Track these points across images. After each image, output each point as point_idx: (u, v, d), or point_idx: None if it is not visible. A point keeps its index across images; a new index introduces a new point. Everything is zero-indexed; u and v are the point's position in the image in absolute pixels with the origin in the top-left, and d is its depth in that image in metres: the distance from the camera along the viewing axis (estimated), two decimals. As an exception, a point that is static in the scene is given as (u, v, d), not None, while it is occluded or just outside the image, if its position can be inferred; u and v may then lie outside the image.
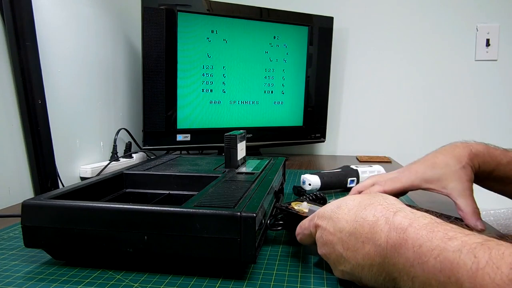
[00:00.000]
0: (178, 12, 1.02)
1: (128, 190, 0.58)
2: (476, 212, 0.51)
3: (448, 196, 0.53)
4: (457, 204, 0.52)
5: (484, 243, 0.27)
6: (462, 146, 0.54)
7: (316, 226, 0.41)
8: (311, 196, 0.59)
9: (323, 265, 0.44)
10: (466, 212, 0.51)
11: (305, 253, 0.48)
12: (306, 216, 0.46)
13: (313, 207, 0.47)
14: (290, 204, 0.52)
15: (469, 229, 0.30)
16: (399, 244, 0.31)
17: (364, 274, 0.35)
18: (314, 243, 0.42)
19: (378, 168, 0.84)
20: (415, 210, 0.34)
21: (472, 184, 0.52)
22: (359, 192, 0.58)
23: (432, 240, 0.29)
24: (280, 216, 0.52)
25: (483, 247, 0.26)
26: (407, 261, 0.30)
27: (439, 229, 0.30)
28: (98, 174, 0.89)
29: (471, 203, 0.51)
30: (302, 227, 0.44)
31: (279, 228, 0.51)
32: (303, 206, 0.51)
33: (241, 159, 0.66)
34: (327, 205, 0.42)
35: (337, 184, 0.79)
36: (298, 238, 0.45)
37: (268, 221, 0.50)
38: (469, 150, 0.53)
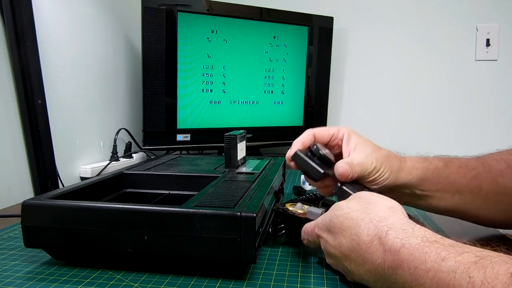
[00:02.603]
0: (178, 12, 1.02)
1: (128, 190, 0.58)
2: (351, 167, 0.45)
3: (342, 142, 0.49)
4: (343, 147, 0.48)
5: (478, 261, 0.26)
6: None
7: (318, 237, 0.41)
8: (309, 196, 0.58)
9: (323, 265, 0.44)
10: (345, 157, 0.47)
11: (305, 253, 0.48)
12: (305, 218, 0.46)
13: (312, 209, 0.46)
14: (284, 206, 0.51)
15: (461, 245, 0.30)
16: (395, 266, 0.31)
17: (371, 285, 0.35)
18: (320, 248, 0.42)
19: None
20: (406, 225, 0.33)
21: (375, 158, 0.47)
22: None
23: (426, 262, 0.29)
24: (279, 219, 0.50)
25: (477, 266, 0.26)
26: (405, 281, 0.30)
27: (432, 249, 0.29)
28: (98, 174, 0.89)
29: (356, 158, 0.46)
30: (307, 233, 0.43)
31: (282, 232, 0.49)
32: (297, 207, 0.50)
33: (241, 159, 0.65)
34: (326, 215, 0.41)
35: (337, 184, 0.79)
36: (304, 242, 0.44)
37: (270, 229, 0.49)
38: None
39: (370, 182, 0.47)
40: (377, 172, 0.46)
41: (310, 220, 0.44)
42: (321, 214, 0.44)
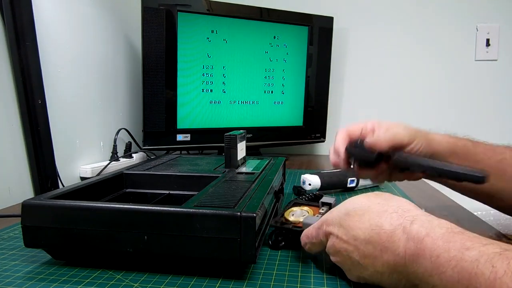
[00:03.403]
0: (178, 12, 1.02)
1: (128, 190, 0.58)
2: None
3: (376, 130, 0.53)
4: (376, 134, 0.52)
5: (503, 252, 0.26)
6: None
7: (327, 234, 0.40)
8: (309, 196, 0.58)
9: (323, 265, 0.44)
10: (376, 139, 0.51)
11: (305, 253, 0.48)
12: (303, 230, 0.45)
13: (307, 220, 0.46)
14: (283, 216, 0.51)
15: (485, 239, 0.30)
16: (417, 254, 0.31)
17: (384, 280, 0.35)
18: (323, 251, 0.41)
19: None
20: (431, 218, 0.33)
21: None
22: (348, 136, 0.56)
23: (449, 250, 0.29)
24: (278, 234, 0.50)
25: (501, 257, 0.26)
26: (425, 271, 0.30)
27: (456, 239, 0.29)
28: (98, 174, 0.89)
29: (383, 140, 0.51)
30: (309, 236, 0.42)
31: (282, 244, 0.49)
32: (297, 215, 0.50)
33: (241, 159, 0.65)
34: (333, 211, 0.40)
35: (337, 184, 0.79)
36: (306, 248, 0.43)
37: (270, 242, 0.49)
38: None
39: (411, 150, 0.51)
40: (414, 140, 0.51)
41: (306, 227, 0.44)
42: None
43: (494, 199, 0.55)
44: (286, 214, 0.51)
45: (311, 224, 0.43)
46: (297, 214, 0.50)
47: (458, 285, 0.27)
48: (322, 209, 0.50)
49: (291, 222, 0.49)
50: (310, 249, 0.43)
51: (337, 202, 0.49)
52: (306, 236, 0.43)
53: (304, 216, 0.49)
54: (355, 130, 0.55)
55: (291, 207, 0.53)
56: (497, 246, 0.27)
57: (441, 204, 0.71)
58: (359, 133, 0.55)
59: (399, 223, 0.34)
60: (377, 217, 0.35)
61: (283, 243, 0.49)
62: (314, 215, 0.49)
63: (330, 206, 0.50)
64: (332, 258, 0.40)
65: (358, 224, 0.36)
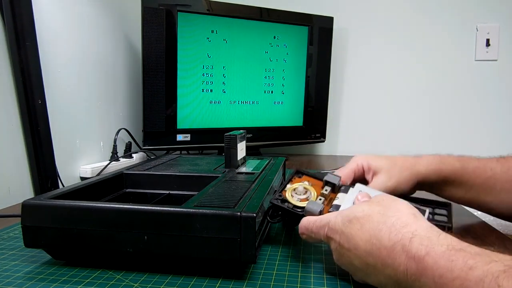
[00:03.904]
0: (178, 12, 1.02)
1: (128, 190, 0.58)
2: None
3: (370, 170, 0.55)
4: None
5: (507, 270, 0.26)
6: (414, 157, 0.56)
7: (329, 239, 0.40)
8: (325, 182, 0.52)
9: (323, 265, 0.44)
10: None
11: (305, 253, 0.48)
12: (302, 215, 0.44)
13: (311, 205, 0.45)
14: (284, 190, 0.49)
15: (488, 251, 0.29)
16: (419, 274, 0.31)
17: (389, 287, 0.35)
18: (319, 243, 0.41)
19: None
20: (430, 233, 0.33)
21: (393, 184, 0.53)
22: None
23: (452, 270, 0.28)
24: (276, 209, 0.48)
25: (506, 275, 0.26)
26: None
27: (458, 257, 0.29)
28: (98, 174, 0.89)
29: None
30: (309, 230, 0.42)
31: (278, 219, 0.48)
32: (299, 192, 0.48)
33: (241, 159, 0.65)
34: (337, 215, 0.40)
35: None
36: (302, 237, 0.43)
37: (268, 215, 0.48)
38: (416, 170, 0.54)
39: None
40: (401, 185, 0.53)
41: (308, 214, 0.43)
42: (320, 211, 0.43)
43: (483, 208, 0.58)
44: (288, 191, 0.49)
45: (313, 212, 0.43)
46: (299, 191, 0.48)
47: None
48: (326, 189, 0.48)
49: (291, 204, 0.47)
50: (306, 240, 0.43)
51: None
52: (305, 228, 0.42)
53: (307, 198, 0.47)
54: (349, 175, 0.55)
55: (293, 180, 0.51)
56: (500, 264, 0.27)
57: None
58: (352, 177, 0.55)
59: (397, 239, 0.33)
60: (377, 229, 0.35)
61: (279, 218, 0.48)
62: (317, 196, 0.47)
63: (333, 186, 0.49)
64: (335, 260, 0.40)
65: (359, 233, 0.36)
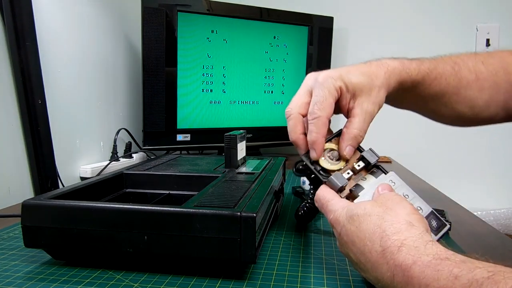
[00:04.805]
0: (178, 12, 1.02)
1: (128, 190, 0.58)
2: (357, 138, 0.46)
3: (349, 110, 0.48)
4: (350, 120, 0.47)
5: (490, 277, 0.27)
6: (376, 65, 0.49)
7: (333, 226, 0.40)
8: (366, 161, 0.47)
9: (323, 265, 0.44)
10: (349, 133, 0.46)
11: (305, 253, 0.48)
12: (324, 182, 0.44)
13: (335, 177, 0.43)
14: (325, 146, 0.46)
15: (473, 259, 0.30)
16: (405, 282, 0.31)
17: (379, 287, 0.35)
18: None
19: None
20: (419, 243, 0.33)
21: (377, 110, 0.48)
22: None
23: (438, 279, 0.29)
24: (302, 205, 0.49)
25: (490, 281, 0.26)
26: None
27: (444, 267, 0.29)
28: (98, 174, 0.89)
29: (361, 127, 0.47)
30: (321, 206, 0.43)
31: (302, 174, 0.49)
32: (333, 156, 0.46)
33: (241, 159, 0.65)
34: (344, 207, 0.39)
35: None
36: (316, 205, 0.44)
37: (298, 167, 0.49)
38: (385, 69, 0.48)
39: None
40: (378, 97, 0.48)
41: (329, 185, 0.43)
42: (341, 188, 0.43)
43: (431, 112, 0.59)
44: (327, 147, 0.46)
45: (333, 186, 0.43)
46: (333, 156, 0.46)
47: None
48: (359, 165, 0.46)
49: (319, 166, 0.45)
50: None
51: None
52: (319, 200, 0.43)
53: (337, 167, 0.45)
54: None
55: (336, 139, 0.48)
56: (484, 271, 0.27)
57: (441, 204, 0.71)
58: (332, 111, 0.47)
59: (387, 246, 0.34)
60: (372, 231, 0.35)
61: (304, 173, 0.49)
62: (349, 168, 0.46)
63: (367, 165, 0.46)
64: (338, 247, 0.40)
65: (356, 231, 0.37)
